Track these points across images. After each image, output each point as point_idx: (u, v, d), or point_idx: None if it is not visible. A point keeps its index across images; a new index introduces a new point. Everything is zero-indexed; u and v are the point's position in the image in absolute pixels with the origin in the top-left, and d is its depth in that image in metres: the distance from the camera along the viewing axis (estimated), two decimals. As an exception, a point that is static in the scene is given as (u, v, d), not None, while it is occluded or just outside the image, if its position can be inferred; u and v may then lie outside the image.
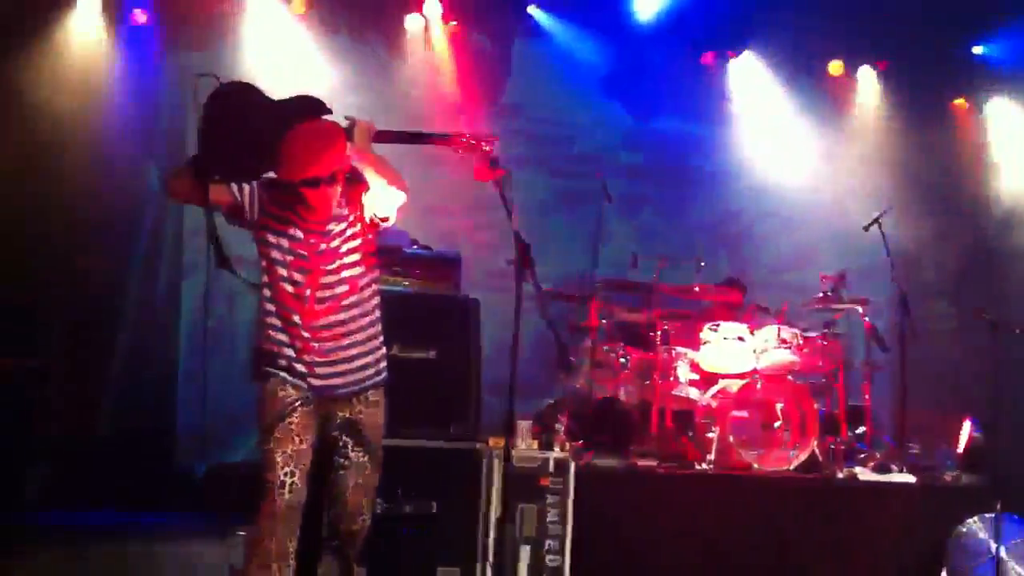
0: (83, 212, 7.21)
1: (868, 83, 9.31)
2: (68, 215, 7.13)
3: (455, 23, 8.64)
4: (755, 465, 6.53)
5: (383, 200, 3.89)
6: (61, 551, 5.91)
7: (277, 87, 4.02)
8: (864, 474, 6.72)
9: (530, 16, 8.79)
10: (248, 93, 3.77)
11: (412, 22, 8.54)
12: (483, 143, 3.95)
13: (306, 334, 3.83)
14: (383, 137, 3.95)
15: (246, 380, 7.71)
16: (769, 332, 6.96)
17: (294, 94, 3.89)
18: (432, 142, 4.11)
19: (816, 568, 6.10)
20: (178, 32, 8.02)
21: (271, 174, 3.84)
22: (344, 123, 3.86)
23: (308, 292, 3.84)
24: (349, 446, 3.96)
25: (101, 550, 6.11)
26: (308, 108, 3.80)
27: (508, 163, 4.25)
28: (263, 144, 3.69)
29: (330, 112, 3.84)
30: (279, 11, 8.25)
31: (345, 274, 3.89)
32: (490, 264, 7.79)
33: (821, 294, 7.32)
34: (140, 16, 7.87)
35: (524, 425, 5.99)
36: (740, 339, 6.94)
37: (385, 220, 3.95)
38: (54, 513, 6.42)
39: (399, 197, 3.90)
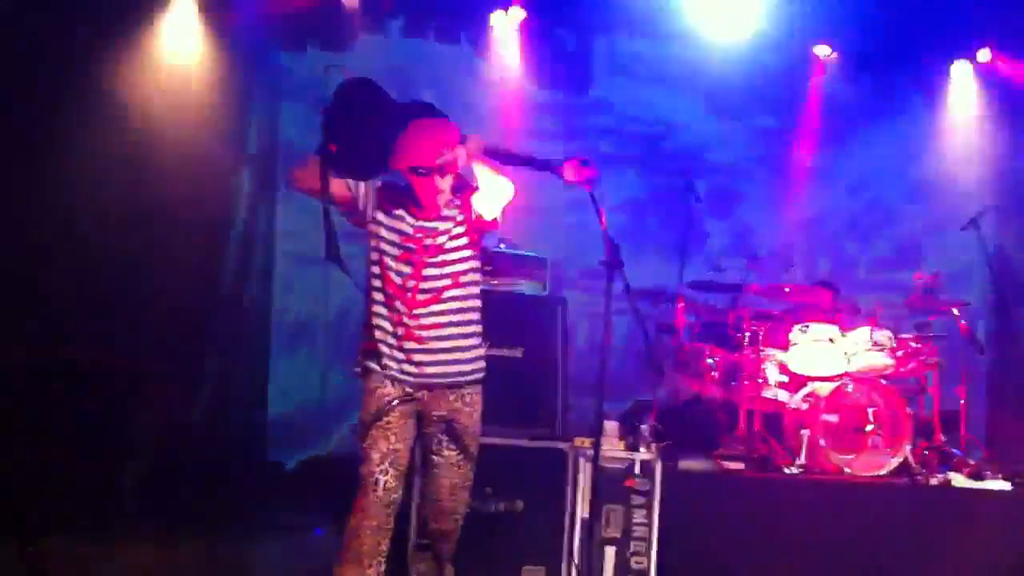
0: (178, 211, 7.36)
1: (964, 78, 9.07)
2: (163, 214, 7.28)
3: (539, 20, 8.65)
4: (846, 470, 6.41)
5: (490, 197, 3.95)
6: (156, 542, 6.09)
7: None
8: (958, 480, 6.55)
9: (613, 11, 8.73)
10: (371, 91, 3.85)
11: (497, 19, 8.57)
12: (585, 175, 3.97)
13: (408, 321, 3.90)
14: (489, 153, 4.03)
15: (331, 373, 7.95)
16: (861, 334, 6.82)
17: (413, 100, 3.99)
18: (536, 167, 4.14)
19: (908, 575, 5.96)
20: (270, 33, 8.16)
21: (387, 175, 3.94)
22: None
23: (412, 283, 3.91)
24: (444, 444, 4.00)
25: (194, 541, 6.28)
26: (426, 108, 3.92)
27: (597, 161, 4.27)
28: (382, 143, 3.80)
29: (446, 117, 3.93)
30: (368, 11, 8.33)
31: (448, 269, 3.97)
32: (579, 263, 7.81)
33: (915, 295, 7.16)
34: (233, 18, 8.02)
35: (610, 426, 5.97)
36: (830, 341, 6.81)
37: (493, 225, 4.01)
38: (149, 504, 6.59)
39: (506, 192, 3.96)
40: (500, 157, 4.06)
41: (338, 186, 3.92)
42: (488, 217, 3.99)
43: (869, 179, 9.04)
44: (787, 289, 7.18)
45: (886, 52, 8.91)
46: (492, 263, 6.14)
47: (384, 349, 3.93)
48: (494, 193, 3.96)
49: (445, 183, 3.90)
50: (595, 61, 8.94)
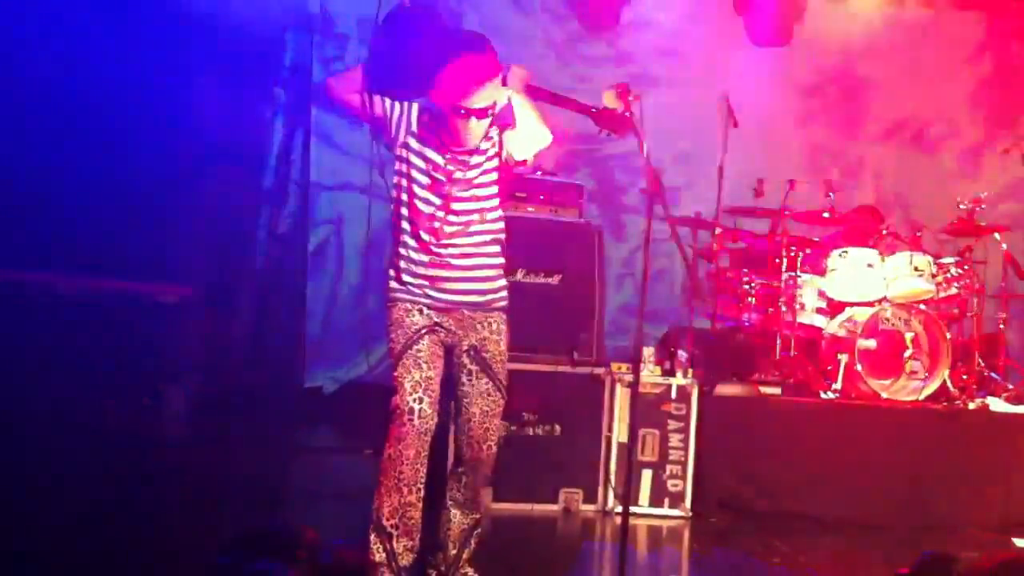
0: (212, 139, 7.37)
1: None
2: (201, 142, 7.29)
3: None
4: (883, 395, 6.41)
5: (526, 140, 3.92)
6: (200, 465, 6.24)
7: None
8: (997, 405, 6.54)
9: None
10: (426, 16, 3.81)
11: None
12: (627, 123, 3.89)
13: (437, 249, 3.92)
14: (530, 91, 3.95)
15: (366, 297, 8.00)
16: (901, 259, 6.75)
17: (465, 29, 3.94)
18: (575, 108, 4.07)
19: (944, 500, 5.99)
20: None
21: (424, 99, 3.91)
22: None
23: (441, 214, 3.92)
24: (475, 374, 4.01)
25: (237, 465, 6.42)
26: (474, 43, 3.83)
27: (640, 84, 4.22)
28: (424, 67, 3.77)
29: (494, 53, 3.84)
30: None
31: (476, 205, 3.95)
32: (619, 187, 7.76)
33: (957, 219, 7.08)
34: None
35: (647, 351, 6.01)
36: (870, 266, 6.74)
37: (523, 163, 3.99)
38: (193, 427, 6.73)
39: (543, 139, 3.92)
40: (539, 95, 4.00)
41: (375, 104, 3.90)
42: (519, 156, 3.96)
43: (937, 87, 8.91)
44: (826, 214, 7.11)
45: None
46: (528, 190, 6.14)
47: (408, 278, 3.95)
48: (530, 136, 3.92)
49: (482, 125, 3.87)
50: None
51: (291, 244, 8.19)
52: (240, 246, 7.62)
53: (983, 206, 7.00)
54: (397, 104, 3.93)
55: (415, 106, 3.96)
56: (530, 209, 6.09)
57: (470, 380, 4.02)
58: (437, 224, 3.91)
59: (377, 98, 3.89)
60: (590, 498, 5.84)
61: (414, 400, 3.84)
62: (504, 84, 3.85)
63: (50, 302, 4.23)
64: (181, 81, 7.01)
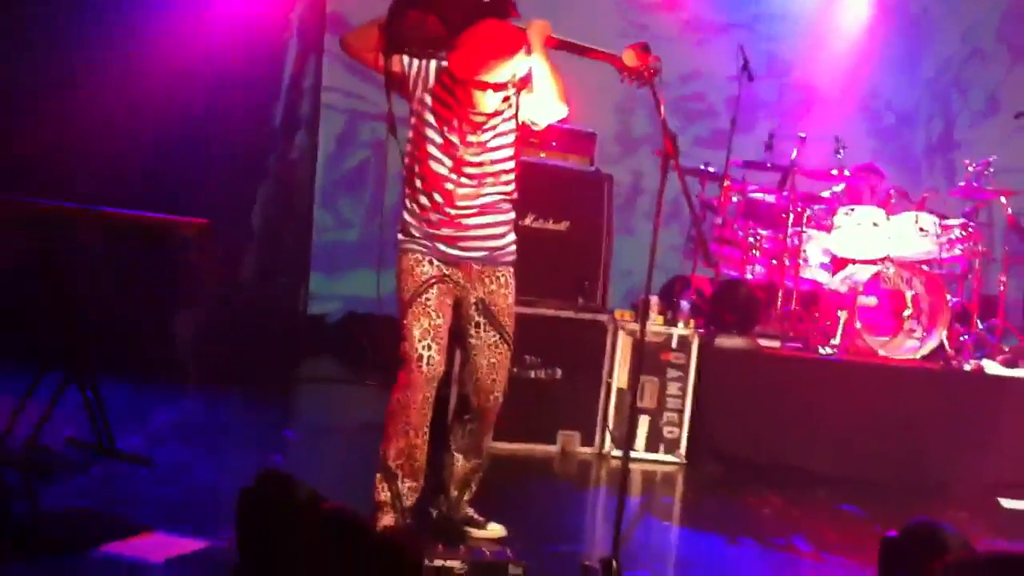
0: (226, 69, 7.34)
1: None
2: (213, 71, 7.26)
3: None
4: (880, 352, 6.49)
5: (542, 109, 3.93)
6: (204, 390, 6.37)
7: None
8: (992, 367, 6.63)
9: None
10: None
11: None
12: (648, 71, 3.87)
13: (448, 209, 3.96)
14: (552, 42, 3.94)
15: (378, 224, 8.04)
16: (906, 219, 6.78)
17: None
18: (599, 57, 4.05)
19: (937, 459, 6.08)
20: None
21: (444, 61, 3.90)
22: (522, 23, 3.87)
23: (454, 176, 3.94)
24: (482, 326, 4.06)
25: (241, 390, 6.54)
26: (500, 9, 3.81)
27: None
28: (447, 29, 3.76)
29: (519, 18, 3.83)
30: None
31: (489, 168, 3.97)
32: (623, 136, 7.76)
33: (963, 182, 7.10)
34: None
35: (650, 300, 6.07)
36: (875, 224, 6.77)
37: (536, 126, 4.02)
38: (200, 353, 6.84)
39: (559, 112, 3.94)
40: (560, 45, 3.99)
41: (391, 59, 3.90)
42: (536, 127, 4.00)
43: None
44: (834, 171, 7.13)
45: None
46: (540, 135, 6.13)
47: (418, 233, 4.00)
48: (546, 107, 3.94)
49: (499, 95, 3.87)
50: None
51: (301, 170, 8.20)
52: (251, 174, 7.62)
53: (991, 169, 7.03)
54: (416, 61, 3.93)
55: (433, 63, 3.95)
56: (542, 155, 6.11)
57: (478, 332, 4.09)
58: (450, 186, 3.94)
59: (395, 56, 3.88)
60: (587, 440, 5.96)
61: (423, 347, 3.91)
62: (527, 44, 3.84)
63: (84, 232, 4.32)
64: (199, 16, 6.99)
